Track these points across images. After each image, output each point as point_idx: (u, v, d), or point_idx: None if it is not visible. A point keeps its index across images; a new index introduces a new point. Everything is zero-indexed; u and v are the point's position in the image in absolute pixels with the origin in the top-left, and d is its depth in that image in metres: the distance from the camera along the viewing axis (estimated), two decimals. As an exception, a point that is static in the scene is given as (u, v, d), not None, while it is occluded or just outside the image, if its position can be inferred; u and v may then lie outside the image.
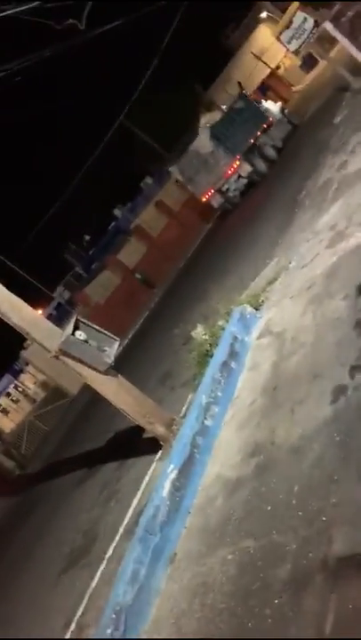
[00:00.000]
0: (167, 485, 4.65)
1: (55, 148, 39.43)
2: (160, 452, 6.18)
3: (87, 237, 39.65)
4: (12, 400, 28.06)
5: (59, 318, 27.82)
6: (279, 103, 22.22)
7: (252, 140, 19.74)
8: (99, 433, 10.36)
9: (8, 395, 28.05)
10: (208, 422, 5.20)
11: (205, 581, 3.65)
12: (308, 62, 27.50)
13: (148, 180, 33.98)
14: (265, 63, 31.57)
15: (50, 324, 6.24)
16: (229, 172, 20.02)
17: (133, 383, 6.12)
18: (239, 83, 26.15)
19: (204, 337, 6.73)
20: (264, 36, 30.78)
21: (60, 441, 17.05)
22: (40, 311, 28.92)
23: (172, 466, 4.80)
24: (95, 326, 5.81)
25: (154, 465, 6.21)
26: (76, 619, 5.18)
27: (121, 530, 5.81)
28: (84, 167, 23.08)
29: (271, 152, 19.73)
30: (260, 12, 30.90)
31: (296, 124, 20.14)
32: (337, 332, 4.33)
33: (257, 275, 8.18)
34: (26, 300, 5.95)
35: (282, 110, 21.04)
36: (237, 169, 19.93)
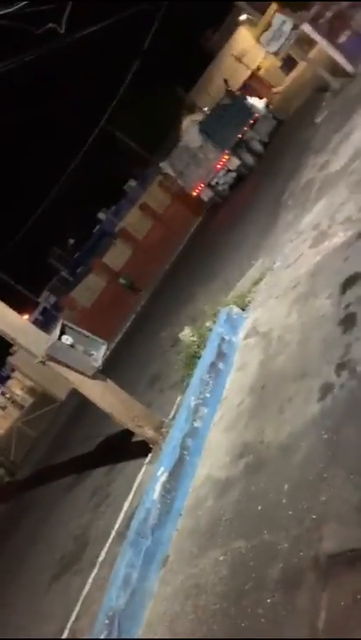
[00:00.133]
0: (158, 488, 4.65)
1: (38, 152, 39.25)
2: (150, 454, 6.17)
3: (72, 241, 39.56)
4: (0, 407, 27.84)
5: (45, 323, 27.70)
6: (264, 99, 22.85)
7: (239, 135, 20.35)
8: (88, 437, 10.32)
9: (-5, 402, 27.85)
10: (197, 424, 5.21)
11: (198, 583, 3.65)
12: (288, 63, 27.71)
13: (132, 183, 34.00)
14: (245, 65, 31.72)
15: (36, 330, 6.21)
16: (218, 166, 20.56)
17: (122, 387, 6.11)
18: (225, 80, 26.47)
19: (191, 339, 6.74)
20: (244, 38, 30.94)
21: (49, 447, 16.93)
22: (26, 316, 28.71)
23: (162, 468, 4.80)
24: (82, 330, 5.78)
25: (144, 468, 6.20)
26: (69, 625, 5.15)
27: (112, 534, 5.79)
28: (67, 171, 23.02)
29: (258, 146, 20.40)
30: (240, 14, 31.03)
31: (281, 119, 20.78)
32: (322, 330, 4.37)
33: (242, 276, 8.21)
34: (11, 306, 5.91)
35: (267, 106, 21.74)
36: (226, 163, 20.47)
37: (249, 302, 6.76)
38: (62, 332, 5.58)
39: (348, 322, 4.09)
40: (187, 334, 6.85)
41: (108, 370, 6.04)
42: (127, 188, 34.34)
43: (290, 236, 7.27)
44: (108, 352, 6.32)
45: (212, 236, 17.84)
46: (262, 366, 5.06)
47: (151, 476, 5.01)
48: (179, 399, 6.47)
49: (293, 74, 28.78)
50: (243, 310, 6.61)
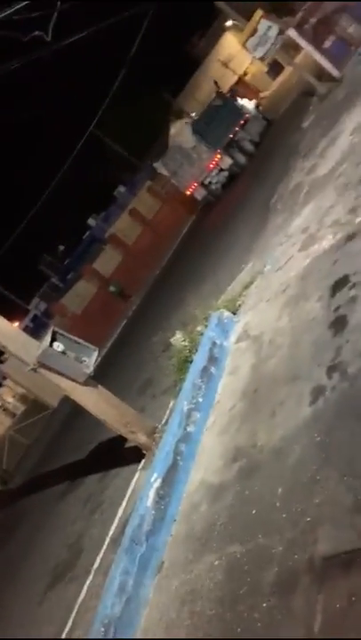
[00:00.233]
0: (151, 494, 4.64)
1: (26, 159, 39.19)
2: (143, 460, 6.15)
3: (62, 248, 39.49)
4: (-9, 415, 27.59)
5: (35, 330, 27.59)
6: (254, 100, 23.64)
7: (231, 135, 20.95)
8: (81, 444, 10.27)
9: (-14, 410, 27.59)
10: (190, 429, 5.20)
11: (193, 589, 3.64)
12: (275, 68, 27.94)
13: (122, 189, 34.05)
14: (232, 70, 31.94)
15: (27, 337, 6.17)
16: (211, 165, 21.13)
17: (114, 393, 6.09)
18: (216, 82, 26.79)
19: (183, 343, 6.74)
20: (230, 44, 31.15)
21: (41, 454, 16.83)
22: (16, 324, 28.61)
23: (155, 474, 4.79)
24: (73, 337, 5.77)
25: (137, 474, 6.18)
26: (64, 634, 5.11)
27: (107, 541, 5.76)
28: (56, 178, 23.03)
29: (249, 146, 21.07)
30: (226, 20, 31.25)
31: (271, 119, 21.47)
32: (313, 333, 4.39)
33: (233, 279, 8.23)
34: (1, 313, 5.89)
35: (257, 107, 22.59)
36: (219, 162, 21.04)
37: (240, 306, 6.78)
38: (53, 339, 5.56)
39: (338, 324, 4.12)
40: (178, 339, 6.85)
41: (99, 376, 6.03)
42: (116, 194, 34.39)
43: (279, 240, 7.31)
44: (99, 358, 6.30)
45: (203, 239, 17.91)
46: (254, 370, 5.07)
47: (145, 482, 4.99)
48: (171, 404, 6.46)
49: (280, 79, 29.03)
50: (234, 314, 6.62)
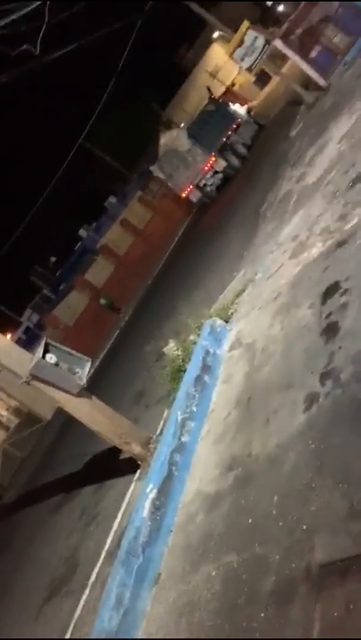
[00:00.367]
0: (147, 505, 4.61)
1: (17, 172, 39.22)
2: (138, 471, 6.12)
3: (53, 259, 39.40)
4: (-15, 429, 27.37)
5: (28, 342, 27.41)
6: (245, 106, 24.38)
7: (224, 139, 21.71)
8: (75, 456, 10.20)
9: (-20, 424, 27.37)
10: (185, 438, 5.19)
11: (191, 600, 3.61)
12: (262, 78, 28.28)
13: (112, 200, 34.10)
14: (220, 81, 32.24)
15: (19, 349, 6.15)
16: (206, 167, 21.82)
17: (107, 403, 6.07)
18: (208, 88, 27.26)
19: (176, 352, 6.74)
20: (218, 55, 31.50)
21: (36, 467, 16.70)
22: (8, 336, 28.47)
23: (150, 485, 4.76)
24: (65, 348, 5.75)
25: (133, 485, 6.14)
26: (61, 650, 5.05)
27: (103, 554, 5.70)
28: (47, 190, 23.09)
29: (242, 149, 21.84)
30: (213, 32, 31.58)
31: (262, 124, 22.38)
32: (305, 340, 4.40)
33: (225, 288, 8.26)
34: (-7, 327, 5.87)
35: (248, 112, 23.38)
36: (213, 164, 21.73)
37: (232, 314, 6.80)
38: (46, 351, 5.54)
39: (330, 331, 4.14)
40: (171, 348, 6.85)
41: (93, 387, 6.00)
42: (107, 205, 34.43)
43: (270, 248, 7.35)
44: (92, 369, 6.28)
45: (195, 247, 17.98)
46: (247, 378, 5.07)
47: (140, 493, 4.96)
48: (165, 414, 6.44)
49: (268, 88, 29.36)
50: (226, 322, 6.64)
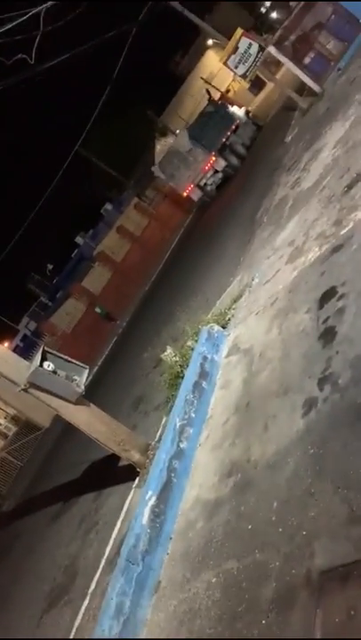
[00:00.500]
0: (147, 512, 4.60)
1: (13, 180, 39.29)
2: (137, 478, 6.10)
3: (50, 266, 39.45)
4: (-17, 437, 27.26)
5: (26, 350, 27.40)
6: (244, 107, 24.83)
7: (224, 139, 22.17)
8: (74, 464, 10.15)
9: (-22, 432, 27.26)
10: (183, 445, 5.17)
11: (191, 607, 3.59)
12: (257, 84, 28.46)
13: (109, 207, 34.20)
14: (215, 87, 32.39)
15: (17, 357, 6.15)
16: (206, 167, 22.26)
17: (106, 411, 6.06)
18: (207, 90, 27.55)
19: (174, 359, 6.74)
20: (212, 62, 31.67)
21: (34, 475, 16.63)
22: (6, 344, 28.44)
23: (150, 492, 4.75)
24: (63, 356, 5.75)
25: (132, 492, 6.12)
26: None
27: (102, 562, 5.68)
28: (43, 197, 23.16)
29: (241, 149, 22.33)
30: (207, 39, 31.78)
31: (260, 125, 23.06)
32: (303, 345, 4.41)
33: (222, 293, 8.26)
34: (-10, 335, 5.86)
35: (247, 113, 23.92)
36: (213, 164, 22.18)
37: (230, 320, 6.80)
38: (44, 359, 5.54)
39: (327, 335, 4.14)
40: (169, 354, 6.84)
41: (91, 394, 5.99)
42: (104, 212, 34.53)
43: (266, 253, 7.36)
44: (90, 376, 6.27)
45: (192, 253, 18.02)
46: (246, 384, 5.07)
47: (139, 500, 4.94)
48: (164, 420, 6.43)
49: (262, 94, 29.52)
50: (224, 328, 6.64)
